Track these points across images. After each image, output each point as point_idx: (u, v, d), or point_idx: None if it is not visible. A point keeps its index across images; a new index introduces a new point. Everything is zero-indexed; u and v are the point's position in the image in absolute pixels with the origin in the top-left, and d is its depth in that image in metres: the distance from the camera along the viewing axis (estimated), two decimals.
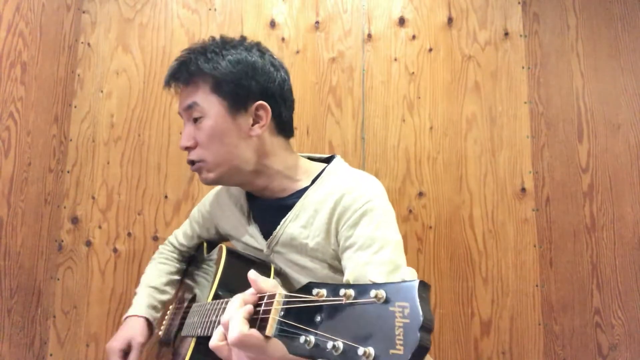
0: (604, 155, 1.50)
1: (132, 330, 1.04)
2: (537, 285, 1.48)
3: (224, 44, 0.93)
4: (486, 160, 1.54)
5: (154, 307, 1.10)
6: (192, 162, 0.94)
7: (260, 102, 0.91)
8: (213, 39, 0.96)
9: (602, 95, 1.53)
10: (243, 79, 0.90)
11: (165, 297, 1.14)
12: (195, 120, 0.91)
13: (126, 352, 1.02)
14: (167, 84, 0.95)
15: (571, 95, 1.55)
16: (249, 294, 0.57)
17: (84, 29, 1.61)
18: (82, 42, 1.60)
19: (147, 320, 1.07)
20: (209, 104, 0.90)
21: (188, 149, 0.93)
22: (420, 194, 1.53)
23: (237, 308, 0.55)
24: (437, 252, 1.51)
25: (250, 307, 0.55)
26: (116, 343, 1.01)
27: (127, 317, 1.08)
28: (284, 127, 0.97)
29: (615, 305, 1.43)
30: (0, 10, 1.23)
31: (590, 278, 1.46)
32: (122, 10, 1.62)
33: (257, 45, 0.97)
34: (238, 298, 0.56)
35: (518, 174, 1.53)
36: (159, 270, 1.16)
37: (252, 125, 0.91)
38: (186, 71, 0.91)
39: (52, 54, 1.46)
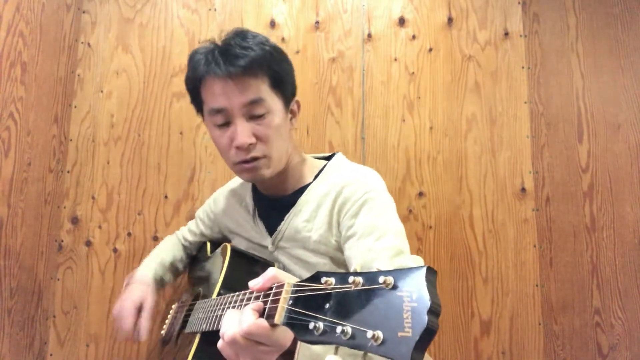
0: (604, 155, 1.50)
1: (142, 292, 1.04)
2: (537, 285, 1.48)
3: (266, 39, 0.91)
4: (486, 160, 1.54)
5: (160, 281, 1.13)
6: (253, 159, 0.89)
7: (297, 98, 0.98)
8: (246, 31, 0.91)
9: (602, 95, 1.53)
10: (291, 76, 0.95)
11: (167, 277, 1.16)
12: (257, 116, 0.87)
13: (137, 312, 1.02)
14: (213, 72, 0.85)
15: (571, 95, 1.55)
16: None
17: (84, 29, 1.60)
18: (82, 42, 1.60)
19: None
20: (273, 100, 0.90)
21: (250, 145, 0.87)
22: (420, 194, 1.53)
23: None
24: (437, 252, 1.51)
25: (258, 303, 0.55)
26: (129, 302, 1.01)
27: (128, 283, 1.08)
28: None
29: (615, 305, 1.43)
30: (0, 10, 1.23)
31: (590, 278, 1.46)
32: (122, 10, 1.62)
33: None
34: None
35: (518, 174, 1.53)
36: (169, 250, 1.20)
37: (291, 120, 0.97)
38: (250, 61, 0.85)
39: (52, 54, 1.46)
